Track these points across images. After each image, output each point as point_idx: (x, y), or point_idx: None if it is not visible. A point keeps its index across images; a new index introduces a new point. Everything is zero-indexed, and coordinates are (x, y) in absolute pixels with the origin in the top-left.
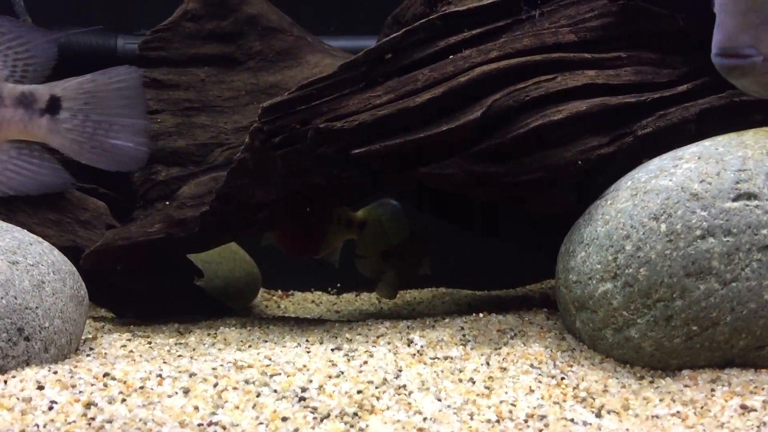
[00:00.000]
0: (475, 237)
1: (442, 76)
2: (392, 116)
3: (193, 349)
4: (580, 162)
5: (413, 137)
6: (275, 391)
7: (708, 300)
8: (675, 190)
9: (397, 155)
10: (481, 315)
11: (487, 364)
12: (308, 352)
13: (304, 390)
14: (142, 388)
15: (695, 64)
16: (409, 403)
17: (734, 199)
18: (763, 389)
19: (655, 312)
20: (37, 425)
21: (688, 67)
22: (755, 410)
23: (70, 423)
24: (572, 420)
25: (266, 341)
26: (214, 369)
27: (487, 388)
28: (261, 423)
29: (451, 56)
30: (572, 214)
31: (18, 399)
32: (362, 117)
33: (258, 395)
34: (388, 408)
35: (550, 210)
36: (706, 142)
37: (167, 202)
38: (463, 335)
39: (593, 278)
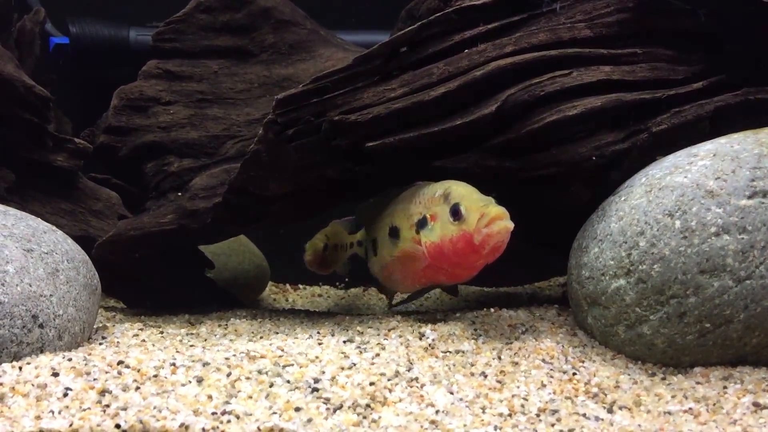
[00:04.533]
0: None
1: (457, 70)
2: (406, 110)
3: (205, 340)
4: (594, 158)
5: (427, 131)
6: (288, 381)
7: (722, 297)
8: (690, 186)
9: (410, 149)
10: (492, 310)
11: (499, 358)
12: (320, 344)
13: (317, 381)
14: (156, 376)
15: (711, 62)
16: (422, 396)
17: (749, 197)
18: None
19: (668, 309)
20: (52, 411)
21: (704, 65)
22: None
23: (84, 410)
24: (584, 415)
25: (277, 333)
26: (227, 359)
27: (499, 382)
28: (274, 413)
29: (466, 50)
30: (586, 210)
31: (33, 385)
32: (376, 110)
33: (271, 385)
34: (400, 400)
35: (565, 205)
36: (722, 140)
37: (179, 193)
38: (475, 330)
39: (606, 274)
